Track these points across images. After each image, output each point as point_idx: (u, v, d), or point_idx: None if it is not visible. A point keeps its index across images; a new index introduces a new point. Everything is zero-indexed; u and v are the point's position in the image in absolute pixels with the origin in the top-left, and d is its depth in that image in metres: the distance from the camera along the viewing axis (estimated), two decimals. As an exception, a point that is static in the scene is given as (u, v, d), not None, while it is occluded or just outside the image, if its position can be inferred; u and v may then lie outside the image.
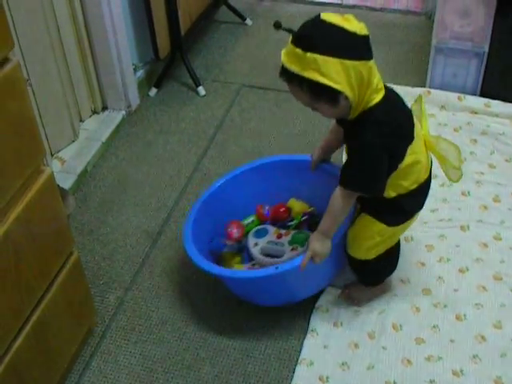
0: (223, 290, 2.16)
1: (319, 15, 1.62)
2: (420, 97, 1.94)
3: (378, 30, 3.49)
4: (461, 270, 2.19)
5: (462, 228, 2.32)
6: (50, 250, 1.71)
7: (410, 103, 2.85)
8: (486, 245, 2.26)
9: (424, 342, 1.98)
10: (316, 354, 1.97)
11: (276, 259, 2.06)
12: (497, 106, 2.80)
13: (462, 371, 1.90)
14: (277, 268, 1.86)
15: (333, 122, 1.99)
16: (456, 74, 2.92)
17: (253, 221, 2.26)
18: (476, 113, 2.81)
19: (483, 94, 2.89)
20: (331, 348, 1.99)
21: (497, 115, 2.78)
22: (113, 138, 2.89)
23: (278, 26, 1.69)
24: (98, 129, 2.89)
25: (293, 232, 2.15)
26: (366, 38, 1.62)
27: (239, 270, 2.09)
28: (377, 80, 1.68)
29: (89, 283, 2.02)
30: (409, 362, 1.94)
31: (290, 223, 2.23)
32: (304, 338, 2.03)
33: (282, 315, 2.10)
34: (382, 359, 1.94)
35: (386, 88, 1.74)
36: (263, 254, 2.11)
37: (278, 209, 2.27)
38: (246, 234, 2.22)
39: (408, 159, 1.77)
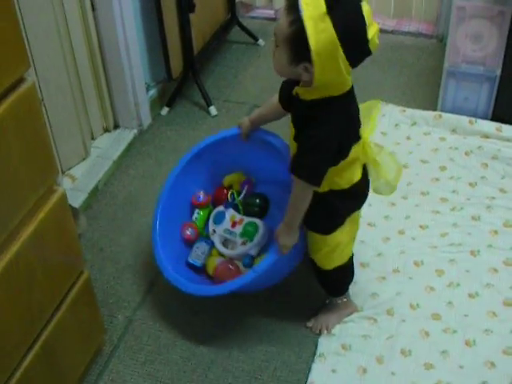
0: (234, 312, 2.16)
1: None
2: (378, 103, 1.91)
3: (390, 52, 3.49)
4: (471, 295, 2.18)
5: (472, 253, 2.32)
6: (60, 269, 1.72)
7: (421, 127, 2.88)
8: (496, 270, 2.25)
9: (433, 368, 1.97)
10: (324, 379, 1.96)
11: (232, 252, 2.14)
12: (508, 130, 2.79)
13: (471, 398, 1.89)
14: (255, 272, 1.90)
15: (273, 98, 2.06)
16: (467, 97, 2.92)
17: (198, 213, 2.27)
18: (487, 137, 2.80)
19: (495, 118, 2.89)
20: (339, 372, 1.98)
21: (508, 139, 2.76)
22: (124, 156, 2.90)
23: None
24: (109, 147, 2.90)
25: (244, 221, 2.16)
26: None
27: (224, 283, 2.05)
28: (349, 76, 1.68)
29: (98, 302, 2.02)
30: (418, 387, 1.93)
31: (235, 201, 2.26)
32: (312, 362, 2.02)
33: (292, 338, 2.10)
34: (390, 384, 1.94)
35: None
36: (221, 242, 2.19)
37: (219, 194, 2.31)
38: (201, 229, 2.26)
39: (349, 157, 1.78)
